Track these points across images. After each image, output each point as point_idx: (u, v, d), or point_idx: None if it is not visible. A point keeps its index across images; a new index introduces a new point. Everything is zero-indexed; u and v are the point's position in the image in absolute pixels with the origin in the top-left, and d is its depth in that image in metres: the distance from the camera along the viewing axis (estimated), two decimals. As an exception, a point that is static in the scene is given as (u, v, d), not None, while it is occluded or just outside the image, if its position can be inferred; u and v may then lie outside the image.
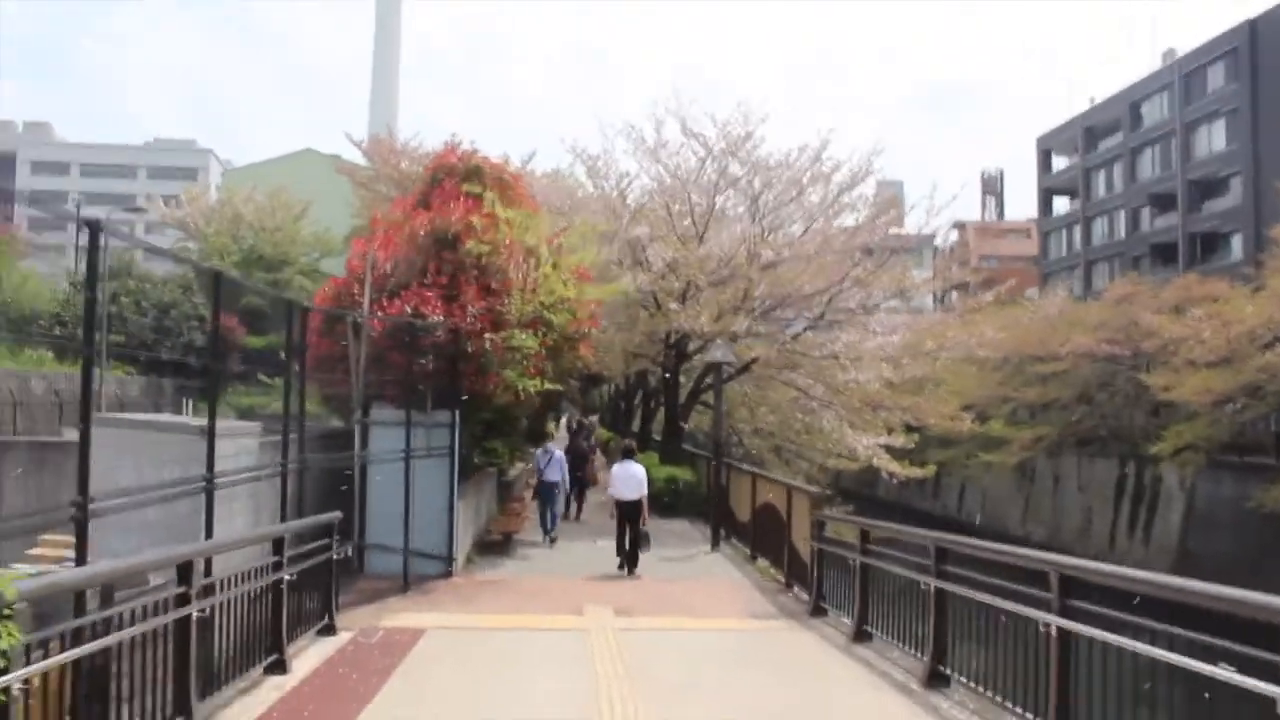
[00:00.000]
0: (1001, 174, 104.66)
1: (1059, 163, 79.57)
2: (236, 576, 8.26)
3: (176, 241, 52.88)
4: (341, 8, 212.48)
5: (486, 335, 14.96)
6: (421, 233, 16.01)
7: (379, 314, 14.86)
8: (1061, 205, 79.57)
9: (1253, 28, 56.55)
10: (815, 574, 12.88)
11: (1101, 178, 72.39)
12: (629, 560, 16.22)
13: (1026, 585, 7.58)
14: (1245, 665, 5.12)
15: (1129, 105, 68.18)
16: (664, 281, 23.40)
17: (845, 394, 25.61)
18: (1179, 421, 38.17)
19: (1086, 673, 6.76)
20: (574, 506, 23.41)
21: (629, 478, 16.75)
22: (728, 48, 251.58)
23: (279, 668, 9.03)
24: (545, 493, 19.88)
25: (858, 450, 26.46)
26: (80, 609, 6.16)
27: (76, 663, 5.77)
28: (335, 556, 11.05)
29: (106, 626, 6.23)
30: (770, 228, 24.84)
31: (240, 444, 10.11)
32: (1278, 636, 4.97)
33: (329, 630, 10.85)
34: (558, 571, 16.21)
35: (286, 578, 9.18)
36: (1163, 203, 64.57)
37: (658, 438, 33.99)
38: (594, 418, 50.27)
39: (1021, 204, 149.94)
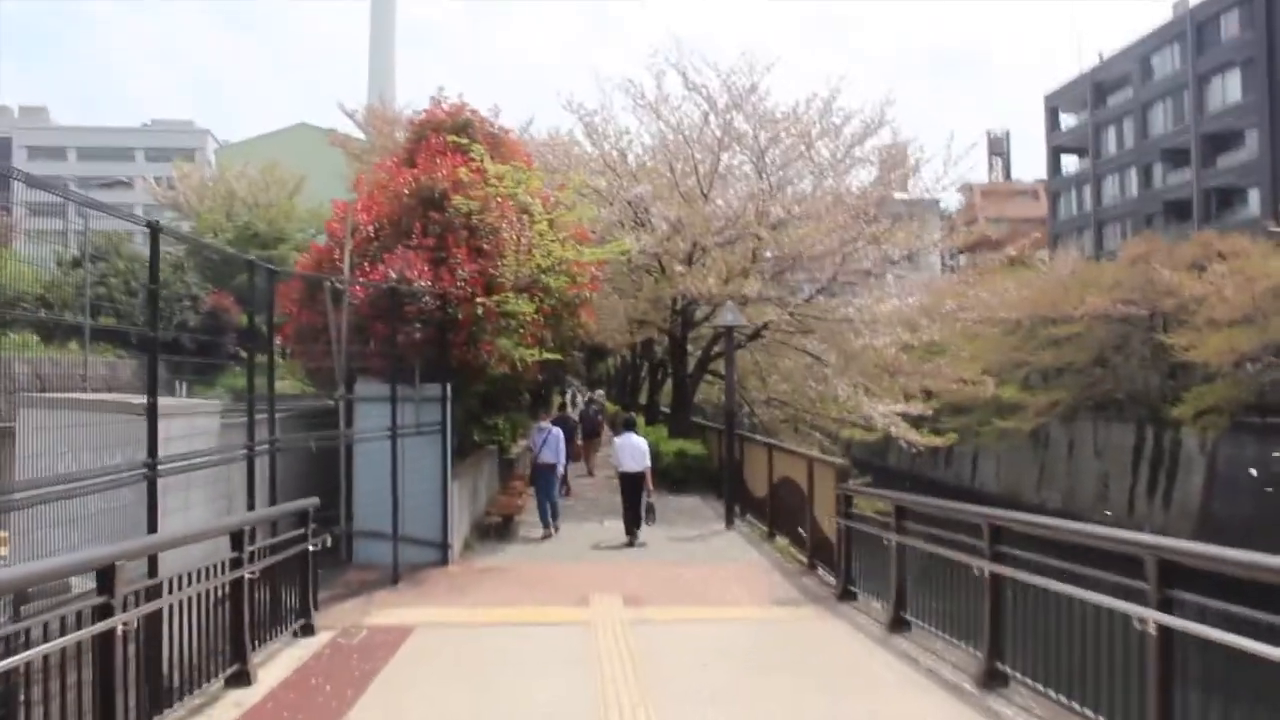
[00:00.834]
0: (1008, 135, 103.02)
1: (1067, 120, 77.95)
2: (183, 578, 7.13)
3: (170, 221, 51.70)
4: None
5: (478, 300, 13.75)
6: (406, 191, 14.81)
7: (359, 279, 13.64)
8: (1070, 164, 78.03)
9: (1268, -26, 54.87)
10: (843, 554, 11.72)
11: (1112, 134, 70.82)
12: (633, 530, 16.15)
13: (1104, 569, 6.43)
14: None
15: (1139, 58, 66.55)
16: (669, 243, 22.11)
17: (860, 359, 24.38)
18: (1198, 383, 37.34)
19: (1197, 677, 5.61)
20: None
21: (631, 449, 16.64)
22: (728, 10, 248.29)
23: (242, 679, 7.90)
24: (542, 478, 17.02)
25: (874, 418, 25.31)
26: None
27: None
28: (313, 547, 9.90)
29: (7, 646, 5.12)
30: (778, 184, 23.53)
31: (197, 424, 8.94)
32: None
33: (307, 630, 9.72)
34: (562, 556, 15.03)
35: (248, 575, 8.03)
36: (1176, 158, 63.06)
37: (666, 410, 32.93)
38: (600, 392, 49.30)
39: (1028, 167, 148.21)
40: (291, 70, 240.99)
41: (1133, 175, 67.56)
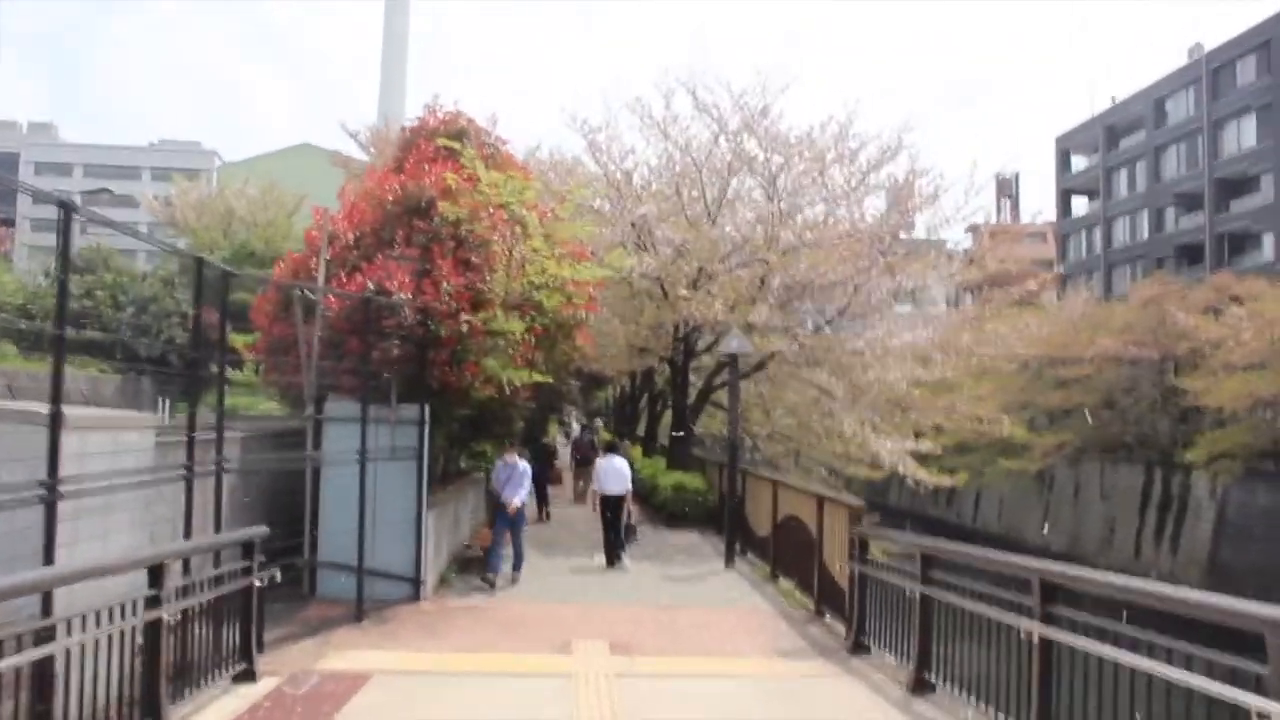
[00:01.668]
0: (1016, 177, 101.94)
1: (1078, 163, 77.19)
2: (86, 619, 5.98)
3: (166, 238, 50.98)
4: (351, 4, 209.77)
5: (463, 317, 12.64)
6: (390, 198, 13.73)
7: (333, 289, 12.53)
8: (1080, 207, 77.14)
9: (1287, 20, 54.14)
10: (855, 603, 10.53)
11: (1123, 177, 69.99)
12: (614, 553, 16.29)
13: (1186, 638, 5.28)
14: None
15: (1153, 102, 65.79)
16: (673, 266, 20.98)
17: (870, 394, 23.22)
18: (1209, 428, 36.45)
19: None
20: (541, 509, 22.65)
21: (614, 472, 16.70)
22: (736, 36, 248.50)
23: (155, 738, 6.73)
24: (502, 519, 14.57)
25: (882, 456, 24.10)
26: None
27: None
28: (259, 582, 8.73)
29: None
30: (789, 211, 22.45)
31: (124, 441, 7.78)
32: None
33: (247, 676, 8.52)
34: (546, 594, 13.78)
35: (166, 618, 6.87)
36: (1188, 202, 62.19)
37: (664, 443, 31.78)
38: (598, 421, 48.19)
39: (1037, 208, 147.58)
40: (305, 91, 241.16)
41: (1144, 218, 66.66)
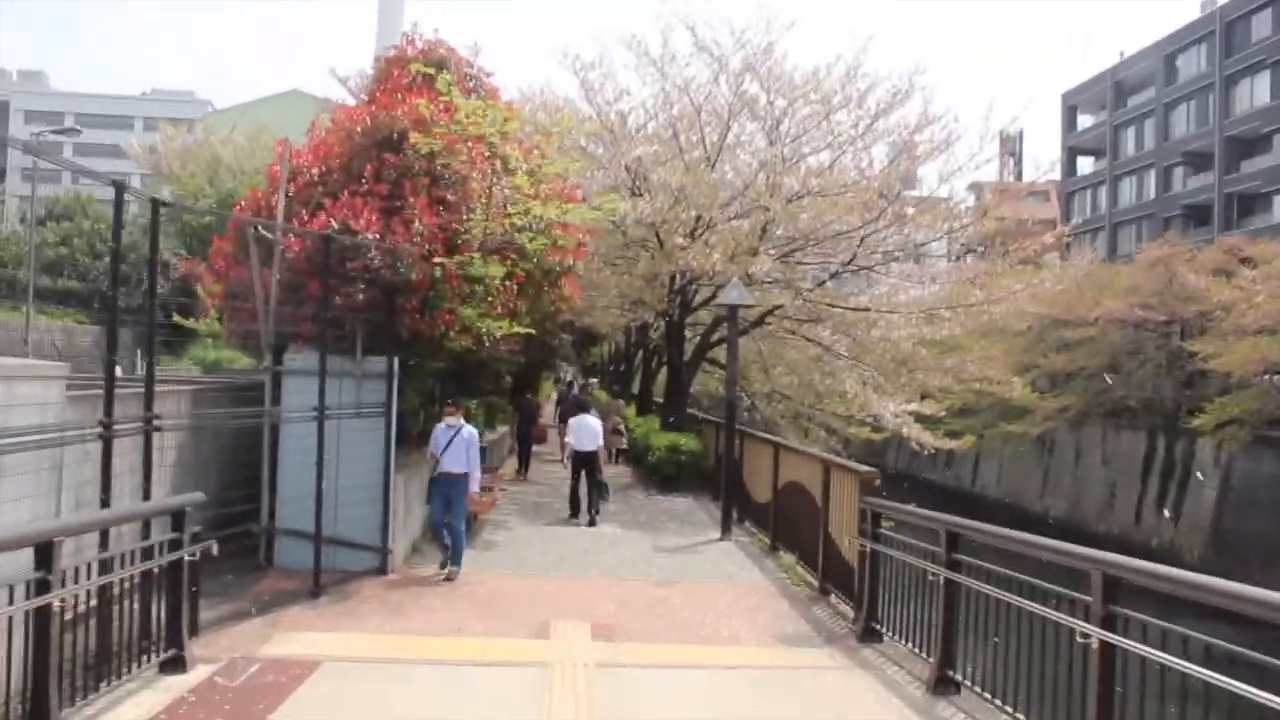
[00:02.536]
0: (1020, 134, 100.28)
1: (1084, 120, 75.57)
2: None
3: (147, 185, 49.61)
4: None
5: (436, 259, 11.44)
6: (358, 130, 12.48)
7: (290, 226, 11.33)
8: (1086, 165, 75.64)
9: (1305, -28, 52.52)
10: (866, 584, 9.45)
11: (1131, 135, 68.53)
12: (589, 511, 16.43)
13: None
14: None
15: (1163, 58, 64.19)
16: (669, 213, 19.71)
17: (875, 352, 22.07)
18: (1215, 393, 35.47)
19: None
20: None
21: (587, 429, 16.95)
22: None
23: (45, 747, 5.64)
24: (440, 492, 11.90)
25: (884, 417, 23.06)
26: None
27: None
28: (190, 556, 7.61)
29: None
30: (793, 156, 21.17)
31: (19, 393, 6.63)
32: None
33: (175, 665, 7.42)
34: (526, 565, 12.70)
35: (58, 604, 5.76)
36: (1197, 161, 60.81)
37: (659, 400, 30.74)
38: (594, 380, 47.17)
39: (1042, 166, 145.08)
40: (301, 41, 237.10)
41: (1151, 178, 65.30)
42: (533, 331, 13.85)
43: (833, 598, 11.06)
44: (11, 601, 5.44)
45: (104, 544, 7.31)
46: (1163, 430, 38.11)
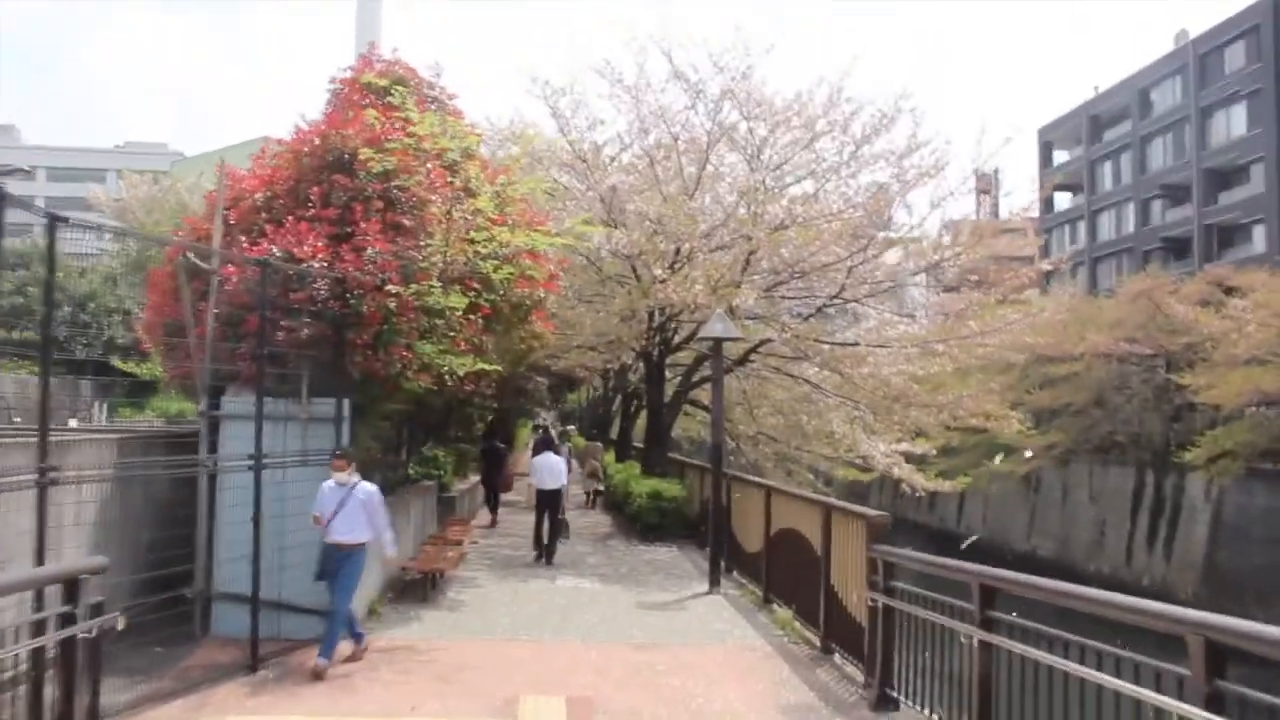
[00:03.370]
0: (996, 172, 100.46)
1: (1060, 156, 75.36)
2: None
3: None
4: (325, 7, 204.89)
5: (390, 289, 10.31)
6: (305, 150, 11.40)
7: (222, 251, 10.19)
8: (1063, 201, 75.36)
9: (1276, 2, 52.35)
10: (879, 644, 8.30)
11: (1108, 170, 68.28)
12: (546, 551, 16.60)
13: None
14: None
15: (1138, 92, 64.09)
16: (648, 244, 18.63)
17: (864, 389, 20.98)
18: (1204, 426, 34.93)
19: None
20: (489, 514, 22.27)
21: (549, 468, 17.27)
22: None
23: None
24: (329, 568, 9.41)
25: (875, 457, 21.98)
26: None
27: None
28: (86, 634, 6.40)
29: None
30: (776, 184, 20.19)
31: None
32: None
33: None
34: (493, 627, 11.45)
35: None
36: (1176, 194, 60.54)
37: (639, 446, 29.63)
38: (572, 426, 46.09)
39: (1018, 204, 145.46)
40: (280, 94, 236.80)
41: (1130, 211, 64.98)
42: (499, 369, 12.71)
43: (837, 657, 9.91)
44: None
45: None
46: (1151, 465, 37.60)
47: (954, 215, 68.27)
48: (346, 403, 10.33)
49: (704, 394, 23.27)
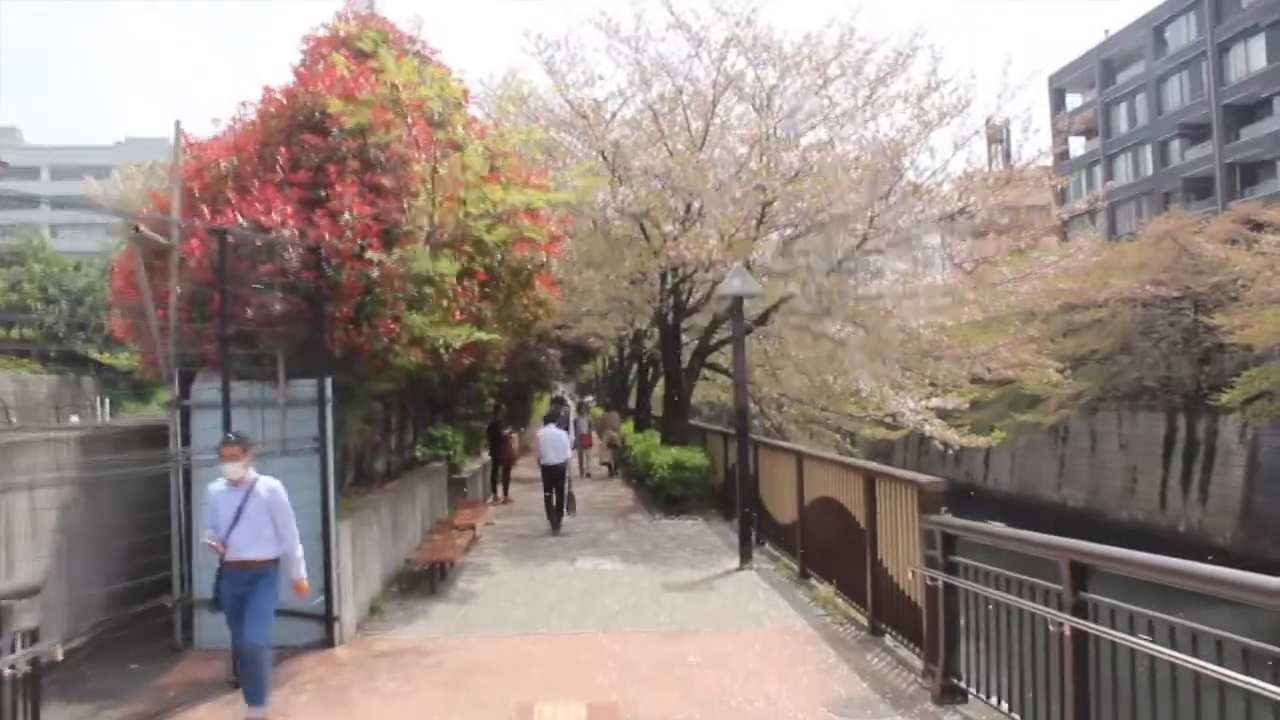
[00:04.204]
0: (1007, 122, 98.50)
1: (1073, 101, 73.57)
2: None
3: (113, 228, 48.09)
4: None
5: (370, 256, 9.26)
6: (273, 111, 10.33)
7: (177, 220, 9.16)
8: (1078, 146, 73.61)
9: (1292, -70, 50.59)
10: (941, 628, 7.28)
11: (1123, 112, 66.59)
12: (555, 521, 16.82)
13: None
14: None
15: (1151, 30, 62.34)
16: (656, 199, 17.46)
17: (892, 343, 19.86)
18: (1236, 368, 34.13)
19: None
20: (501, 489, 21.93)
21: (553, 441, 17.41)
22: None
23: None
24: (231, 590, 7.38)
25: (904, 415, 20.88)
26: None
27: None
28: (11, 669, 5.42)
29: None
30: (788, 132, 18.99)
31: None
32: None
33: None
34: (509, 622, 10.44)
35: None
36: (1194, 133, 58.87)
37: (657, 415, 28.70)
38: (590, 398, 45.16)
39: (1032, 152, 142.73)
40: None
41: (1147, 153, 63.37)
42: (498, 337, 11.67)
43: (888, 639, 8.90)
44: None
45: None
46: (1183, 410, 36.79)
47: (966, 167, 67.15)
48: (329, 383, 9.28)
49: (722, 357, 22.23)
